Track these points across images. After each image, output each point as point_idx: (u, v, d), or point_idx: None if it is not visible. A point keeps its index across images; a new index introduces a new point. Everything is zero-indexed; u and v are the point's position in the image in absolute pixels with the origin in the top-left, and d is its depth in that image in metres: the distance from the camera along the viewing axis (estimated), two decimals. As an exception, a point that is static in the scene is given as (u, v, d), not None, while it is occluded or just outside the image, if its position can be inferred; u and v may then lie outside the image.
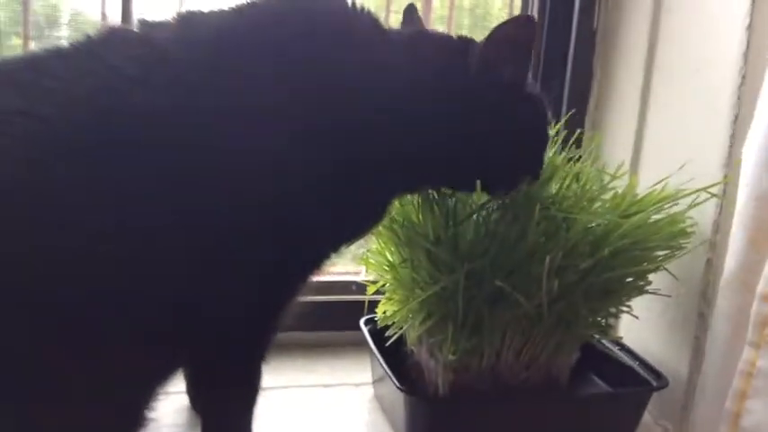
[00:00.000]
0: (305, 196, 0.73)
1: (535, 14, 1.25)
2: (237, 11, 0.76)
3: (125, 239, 0.64)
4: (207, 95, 0.69)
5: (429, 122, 0.79)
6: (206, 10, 0.76)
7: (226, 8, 0.76)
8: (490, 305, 0.88)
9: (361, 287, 1.17)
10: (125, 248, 0.64)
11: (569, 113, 1.11)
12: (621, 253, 0.89)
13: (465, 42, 0.82)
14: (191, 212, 0.67)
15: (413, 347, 0.99)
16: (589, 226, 0.90)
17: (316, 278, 0.81)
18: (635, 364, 1.04)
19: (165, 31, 0.72)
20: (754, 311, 0.79)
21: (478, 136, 0.81)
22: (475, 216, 0.90)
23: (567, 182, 0.94)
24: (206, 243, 0.69)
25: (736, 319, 0.83)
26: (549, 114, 0.87)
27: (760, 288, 0.79)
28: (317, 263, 0.80)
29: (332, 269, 1.35)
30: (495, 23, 0.79)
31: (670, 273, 0.95)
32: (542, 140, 0.87)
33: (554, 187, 0.93)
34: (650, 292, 0.95)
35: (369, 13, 0.80)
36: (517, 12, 1.29)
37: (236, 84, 0.71)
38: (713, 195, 0.93)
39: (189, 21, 0.75)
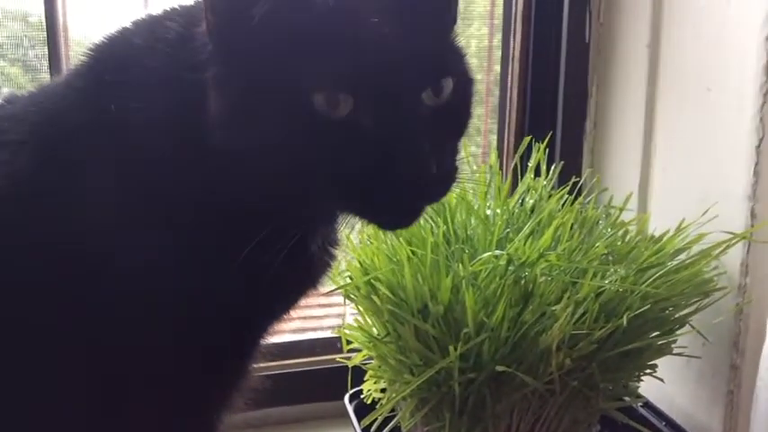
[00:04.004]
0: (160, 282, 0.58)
1: (520, 27, 1.12)
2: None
3: None
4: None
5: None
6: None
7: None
8: (492, 387, 0.77)
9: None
10: None
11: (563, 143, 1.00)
12: (642, 316, 0.77)
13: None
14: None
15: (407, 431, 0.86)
16: (601, 285, 0.77)
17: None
18: (661, 425, 0.93)
19: None
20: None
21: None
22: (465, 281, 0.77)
23: (568, 230, 0.82)
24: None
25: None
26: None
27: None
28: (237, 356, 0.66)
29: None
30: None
31: (698, 331, 0.83)
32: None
33: (555, 237, 0.81)
34: (678, 354, 0.82)
35: None
36: (500, 11, 1.14)
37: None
38: (744, 238, 0.80)
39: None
